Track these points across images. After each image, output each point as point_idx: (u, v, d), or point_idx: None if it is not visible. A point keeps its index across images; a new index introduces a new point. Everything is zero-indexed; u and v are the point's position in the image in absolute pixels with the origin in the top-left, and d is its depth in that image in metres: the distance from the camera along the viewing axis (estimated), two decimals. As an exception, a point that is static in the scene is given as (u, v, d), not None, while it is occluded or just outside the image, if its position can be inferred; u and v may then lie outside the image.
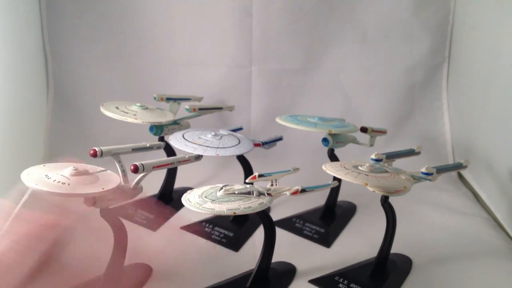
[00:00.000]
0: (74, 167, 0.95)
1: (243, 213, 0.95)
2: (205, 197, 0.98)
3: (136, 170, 1.02)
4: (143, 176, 1.06)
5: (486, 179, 1.58)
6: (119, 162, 1.07)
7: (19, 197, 1.46)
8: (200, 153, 1.20)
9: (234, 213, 0.94)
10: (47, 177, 0.92)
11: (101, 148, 1.04)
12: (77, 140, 1.83)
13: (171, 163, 1.14)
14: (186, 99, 1.58)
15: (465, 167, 1.36)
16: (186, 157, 1.18)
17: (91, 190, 0.92)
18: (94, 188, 0.93)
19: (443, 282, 1.19)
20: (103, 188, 0.93)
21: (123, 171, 1.07)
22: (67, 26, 1.78)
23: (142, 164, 1.03)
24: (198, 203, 0.96)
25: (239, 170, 1.44)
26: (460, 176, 1.79)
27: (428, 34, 1.88)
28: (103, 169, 1.03)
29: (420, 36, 1.88)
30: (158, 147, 1.23)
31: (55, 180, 0.91)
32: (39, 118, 1.76)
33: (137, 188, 1.08)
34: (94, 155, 1.03)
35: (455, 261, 1.28)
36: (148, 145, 1.18)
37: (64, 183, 0.90)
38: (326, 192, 1.48)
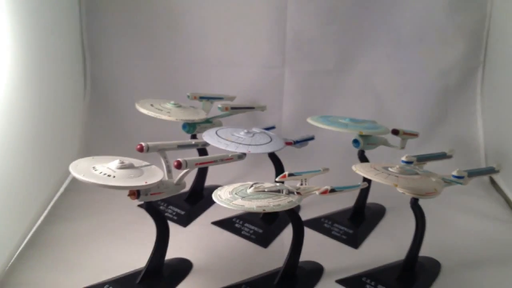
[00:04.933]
0: (120, 160, 0.99)
1: (272, 210, 0.96)
2: (235, 194, 1.00)
3: (179, 166, 1.05)
4: (187, 173, 1.09)
5: (519, 185, 1.56)
6: (165, 158, 1.11)
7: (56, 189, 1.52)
8: (232, 150, 1.22)
9: (264, 210, 0.95)
10: (94, 169, 0.96)
11: (147, 143, 1.07)
12: (112, 136, 1.86)
13: (214, 161, 1.16)
14: (219, 98, 1.60)
15: (498, 171, 1.34)
16: (229, 155, 1.19)
17: (135, 183, 0.96)
18: (138, 182, 0.96)
19: (472, 286, 1.19)
20: (146, 182, 0.96)
21: (168, 167, 1.10)
22: (105, 24, 1.82)
23: (186, 161, 1.06)
24: (228, 199, 0.97)
25: (270, 169, 1.45)
26: (492, 181, 1.77)
27: (463, 38, 1.85)
28: (148, 163, 1.06)
29: (455, 40, 1.86)
30: (203, 145, 1.27)
31: (101, 172, 0.95)
32: (75, 114, 1.80)
33: (181, 183, 1.11)
34: (141, 149, 1.07)
35: (484, 266, 1.27)
36: (193, 142, 1.22)
37: (110, 176, 0.94)
38: (355, 194, 1.48)
